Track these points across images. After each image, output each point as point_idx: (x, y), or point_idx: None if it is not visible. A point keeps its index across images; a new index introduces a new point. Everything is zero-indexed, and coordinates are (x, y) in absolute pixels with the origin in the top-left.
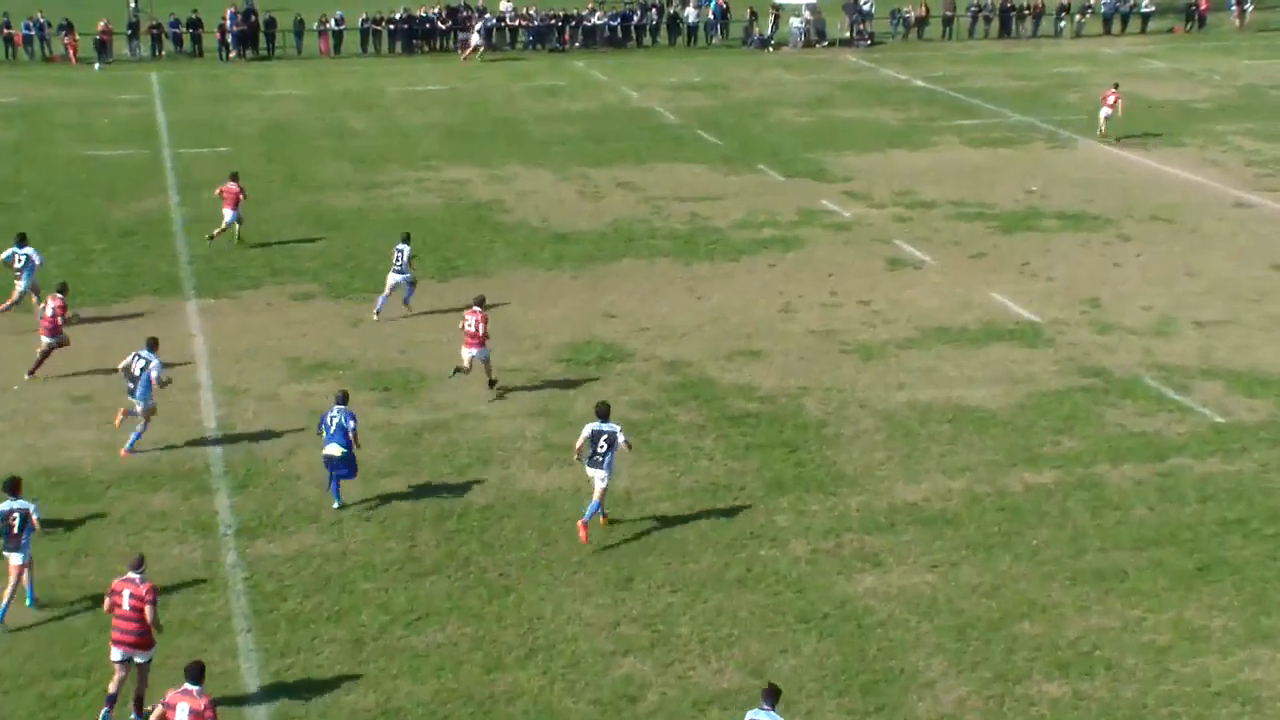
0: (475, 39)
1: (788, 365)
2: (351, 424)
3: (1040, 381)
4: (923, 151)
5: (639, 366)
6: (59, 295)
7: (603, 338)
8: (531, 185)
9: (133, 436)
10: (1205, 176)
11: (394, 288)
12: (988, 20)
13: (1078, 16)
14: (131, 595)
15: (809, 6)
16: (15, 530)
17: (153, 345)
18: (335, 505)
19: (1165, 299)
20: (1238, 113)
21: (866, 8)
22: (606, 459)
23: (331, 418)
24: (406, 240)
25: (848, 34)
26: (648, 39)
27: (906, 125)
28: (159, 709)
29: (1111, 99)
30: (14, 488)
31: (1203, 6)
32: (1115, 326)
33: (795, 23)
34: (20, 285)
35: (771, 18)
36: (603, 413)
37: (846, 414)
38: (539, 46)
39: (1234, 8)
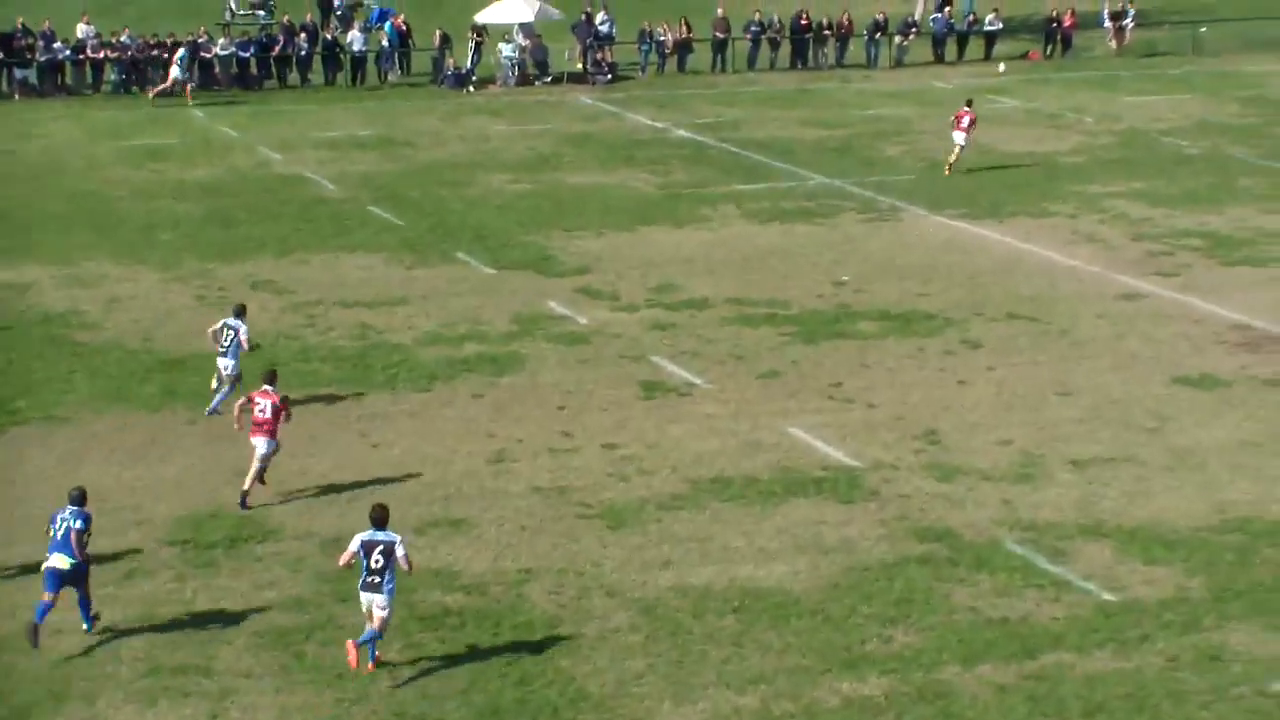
0: (175, 70)
1: (503, 539)
2: (81, 525)
3: (861, 551)
4: (689, 229)
5: (288, 548)
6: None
7: (236, 507)
8: (127, 289)
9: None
10: (1079, 257)
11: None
12: (775, 44)
13: (898, 38)
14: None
15: (524, 28)
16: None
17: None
18: (86, 628)
19: (1030, 430)
20: (1119, 168)
21: (604, 28)
22: (385, 579)
23: (61, 519)
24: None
25: (580, 65)
26: (295, 76)
27: (665, 193)
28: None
29: (967, 120)
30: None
31: (1066, 23)
32: (963, 470)
33: (505, 51)
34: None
35: (472, 45)
36: (378, 518)
37: (589, 606)
38: (130, 90)
39: (1108, 24)
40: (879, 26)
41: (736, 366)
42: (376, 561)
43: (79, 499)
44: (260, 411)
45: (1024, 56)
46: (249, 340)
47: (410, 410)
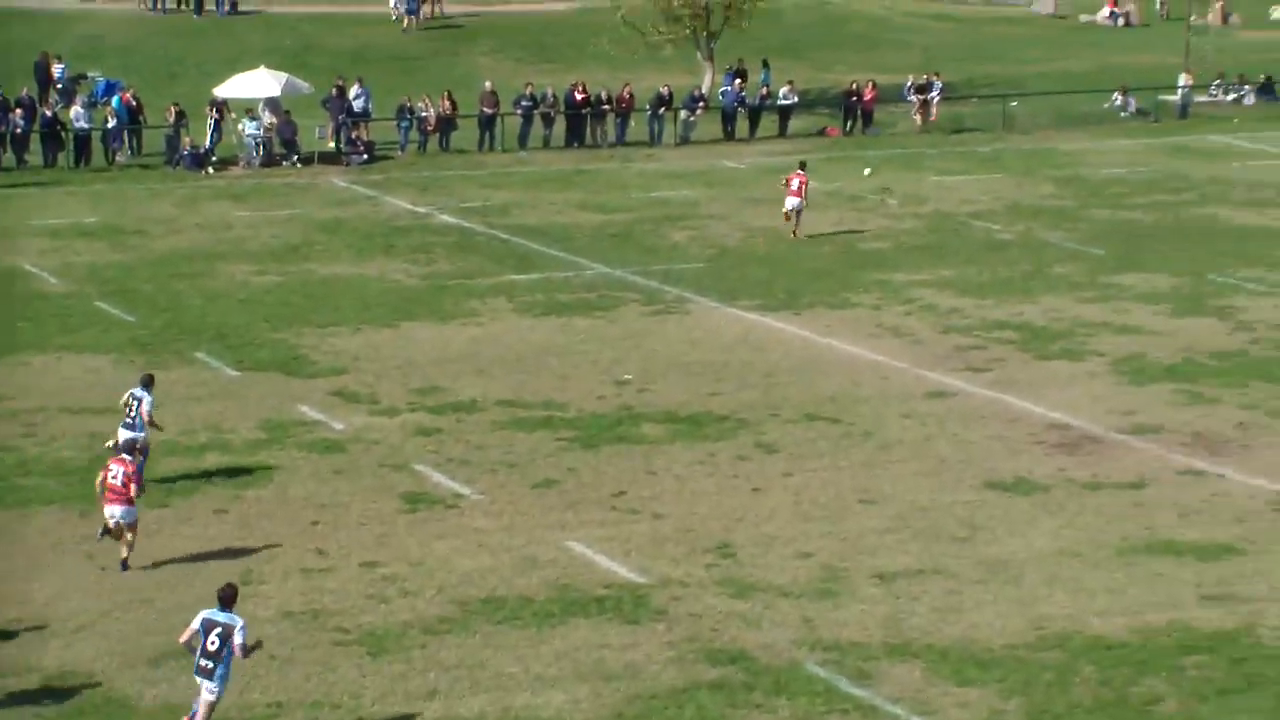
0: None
1: (251, 670)
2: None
3: (648, 676)
4: (456, 325)
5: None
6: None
7: None
8: None
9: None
10: (884, 351)
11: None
12: (548, 120)
13: (684, 114)
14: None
15: (269, 103)
16: None
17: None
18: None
19: (832, 541)
20: (926, 254)
21: (359, 103)
22: (218, 664)
23: None
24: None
25: (332, 144)
26: (9, 157)
27: (429, 285)
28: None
29: (797, 183)
30: None
31: (866, 96)
32: (759, 586)
33: (249, 129)
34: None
35: (211, 121)
36: (225, 597)
37: None
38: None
39: (912, 98)
40: (663, 101)
41: (509, 475)
42: (212, 643)
43: None
44: (113, 478)
45: (821, 133)
46: (150, 414)
47: (144, 528)
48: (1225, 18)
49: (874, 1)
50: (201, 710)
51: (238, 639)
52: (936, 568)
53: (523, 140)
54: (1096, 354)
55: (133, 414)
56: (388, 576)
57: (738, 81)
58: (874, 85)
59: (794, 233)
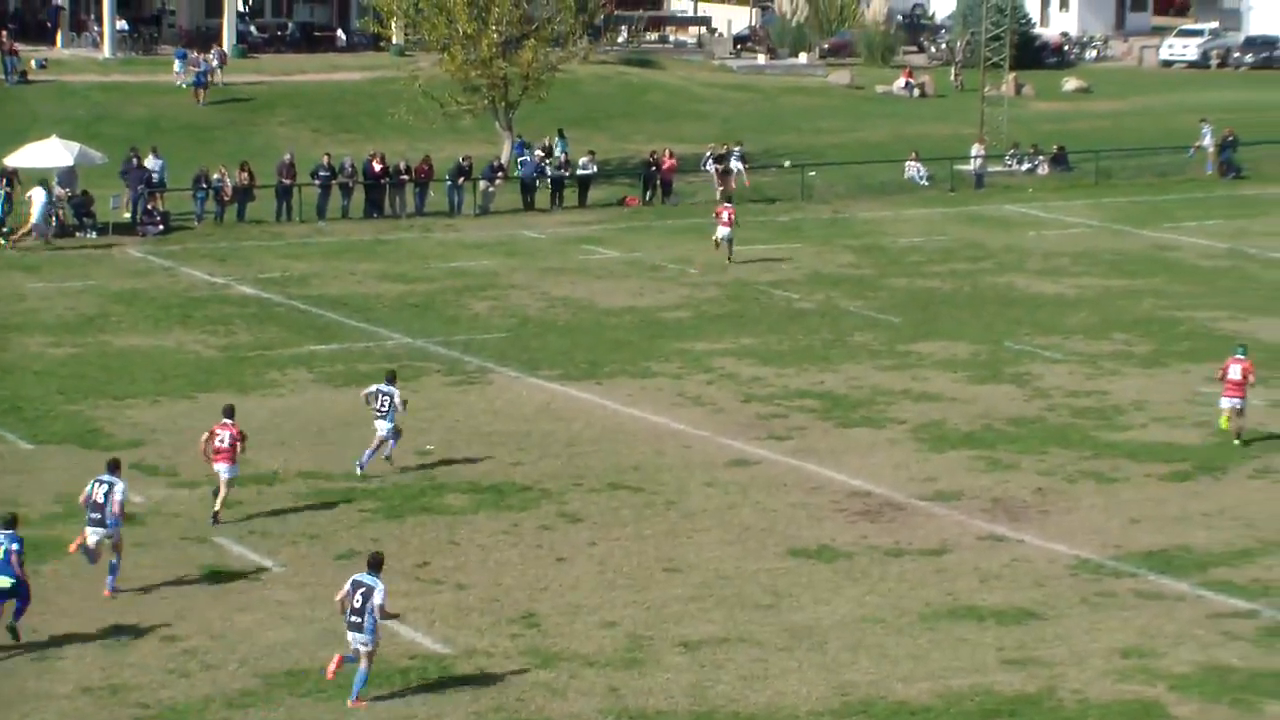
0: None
1: None
2: (15, 546)
3: None
4: (256, 396)
5: None
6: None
7: None
8: None
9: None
10: (686, 420)
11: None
12: (347, 190)
13: (484, 184)
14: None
15: (62, 173)
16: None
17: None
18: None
19: (636, 610)
20: (728, 323)
21: (156, 173)
22: (365, 618)
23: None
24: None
25: (128, 214)
26: None
27: (228, 356)
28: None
29: (726, 215)
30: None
31: (665, 166)
32: (564, 656)
33: (39, 198)
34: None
35: (1, 192)
36: (372, 562)
37: None
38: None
39: (711, 167)
40: (462, 171)
41: (311, 547)
42: (357, 601)
43: (10, 522)
44: (220, 441)
45: (621, 203)
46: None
47: None
48: (1018, 89)
49: (672, 73)
50: (363, 661)
51: (376, 599)
52: (741, 635)
53: (321, 211)
54: (897, 421)
55: (384, 407)
56: (189, 650)
57: (537, 152)
58: (671, 154)
59: (728, 259)
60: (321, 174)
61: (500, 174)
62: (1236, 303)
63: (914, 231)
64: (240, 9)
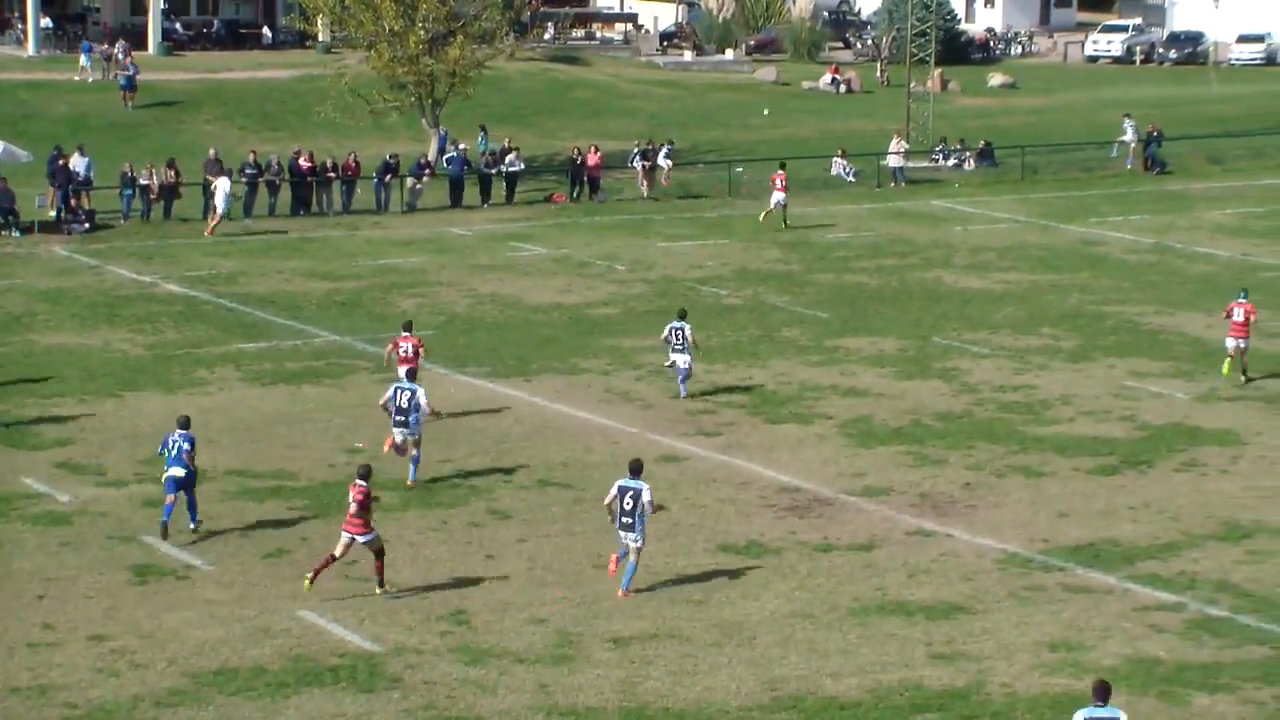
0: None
1: None
2: (187, 445)
3: None
4: (183, 395)
5: None
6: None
7: None
8: None
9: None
10: (615, 417)
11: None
12: (273, 188)
13: (411, 181)
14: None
15: None
16: None
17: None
18: (192, 527)
19: (566, 606)
20: (656, 319)
21: (82, 172)
22: (636, 519)
23: (173, 441)
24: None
25: (53, 213)
26: None
27: (155, 355)
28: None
29: (780, 181)
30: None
31: (590, 163)
32: (494, 653)
33: None
34: None
35: None
36: (634, 468)
37: None
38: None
39: (638, 165)
40: (389, 168)
41: (240, 545)
42: (628, 504)
43: (185, 423)
44: (404, 352)
45: (548, 200)
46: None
47: None
48: (944, 85)
49: (599, 69)
50: (631, 555)
51: (646, 498)
52: (671, 631)
53: (248, 208)
54: (825, 417)
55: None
56: (117, 650)
57: (463, 147)
58: (596, 150)
59: (784, 224)
60: (248, 171)
61: (427, 171)
62: (1162, 297)
63: (841, 227)
64: (164, 6)
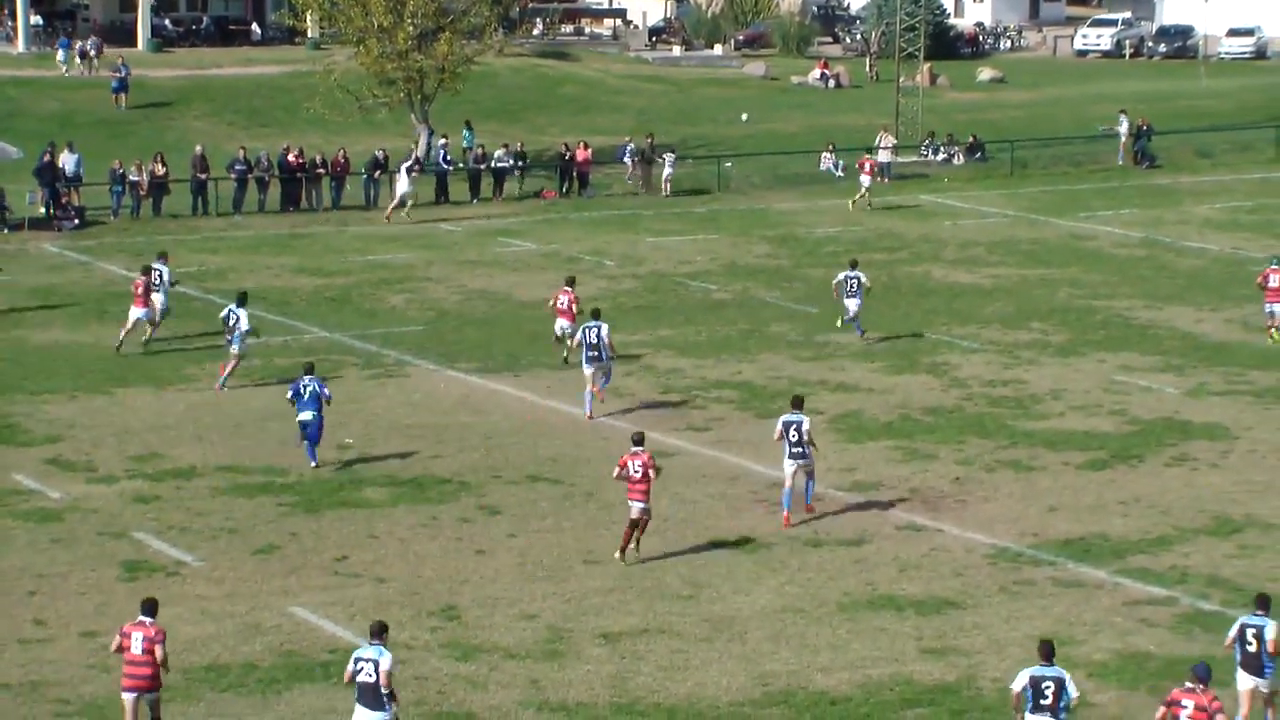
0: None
1: None
2: (325, 391)
3: None
4: (173, 391)
5: None
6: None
7: None
8: None
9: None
10: (604, 412)
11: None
12: (263, 184)
13: (399, 176)
14: (144, 638)
15: None
16: None
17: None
18: (313, 465)
19: (556, 601)
20: (644, 315)
21: (72, 168)
22: (804, 450)
23: (305, 386)
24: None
25: (43, 210)
26: None
27: (145, 352)
28: (116, 639)
29: (869, 165)
30: None
31: (579, 159)
32: (484, 648)
33: None
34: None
35: None
36: (797, 402)
37: None
38: None
39: (628, 160)
40: (378, 164)
41: (230, 541)
42: (793, 436)
43: (311, 369)
44: (561, 305)
45: (538, 195)
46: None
47: None
48: (933, 79)
49: (588, 65)
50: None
51: (806, 426)
52: (661, 627)
53: (237, 204)
54: (815, 412)
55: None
56: (108, 646)
57: (443, 143)
58: (586, 146)
59: (869, 206)
60: (237, 168)
61: (417, 166)
62: (1151, 291)
63: (830, 222)
64: (154, 3)
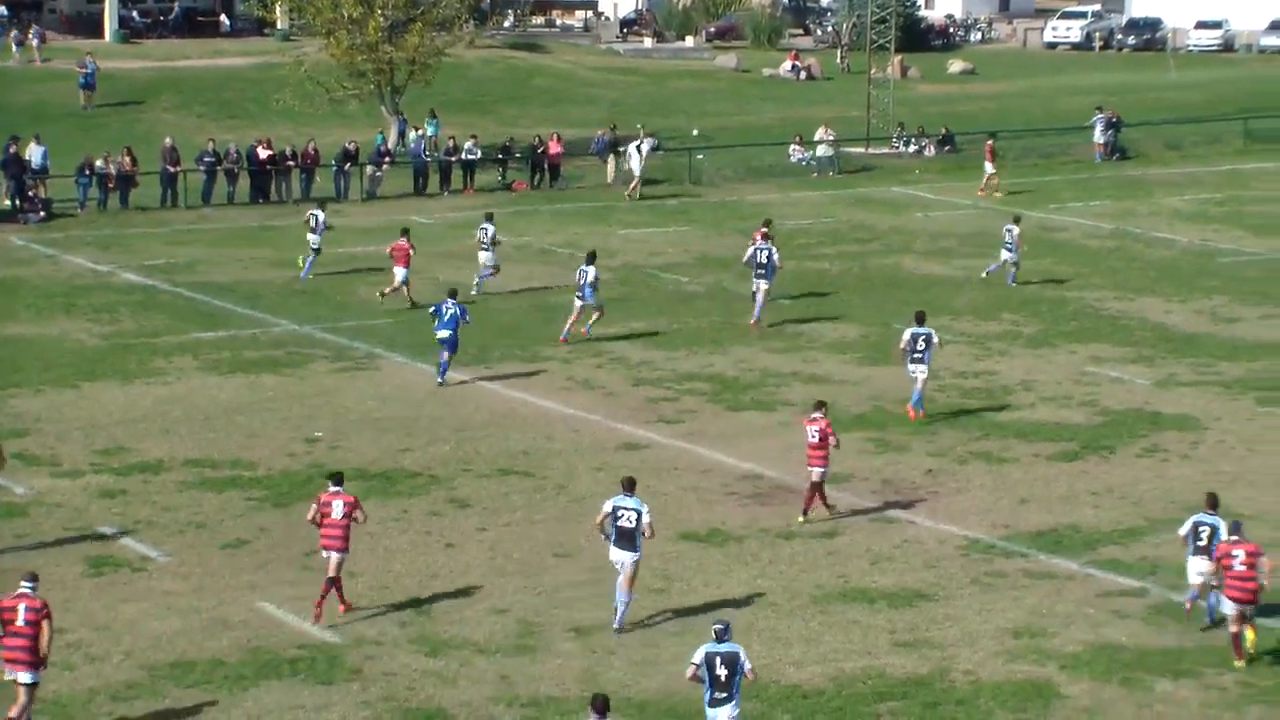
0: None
1: None
2: (465, 316)
3: None
4: (140, 385)
5: None
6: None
7: None
8: None
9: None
10: (576, 405)
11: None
12: (232, 176)
13: (370, 169)
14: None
15: None
16: None
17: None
18: (439, 382)
19: (527, 596)
20: (616, 307)
21: (38, 160)
22: (925, 355)
23: (447, 308)
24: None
25: (8, 202)
26: None
27: (112, 344)
28: (314, 508)
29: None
30: None
31: (551, 151)
32: (454, 644)
33: None
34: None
35: None
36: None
37: None
38: None
39: (599, 155)
40: (348, 156)
41: (198, 536)
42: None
43: (454, 294)
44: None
45: (509, 187)
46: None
47: None
48: (904, 71)
49: (559, 57)
50: (919, 385)
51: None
52: (632, 620)
53: (206, 197)
54: (787, 404)
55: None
56: (73, 643)
57: (417, 131)
58: (558, 138)
59: (995, 193)
60: (206, 160)
61: (387, 158)
62: (1122, 283)
63: (802, 214)
64: None
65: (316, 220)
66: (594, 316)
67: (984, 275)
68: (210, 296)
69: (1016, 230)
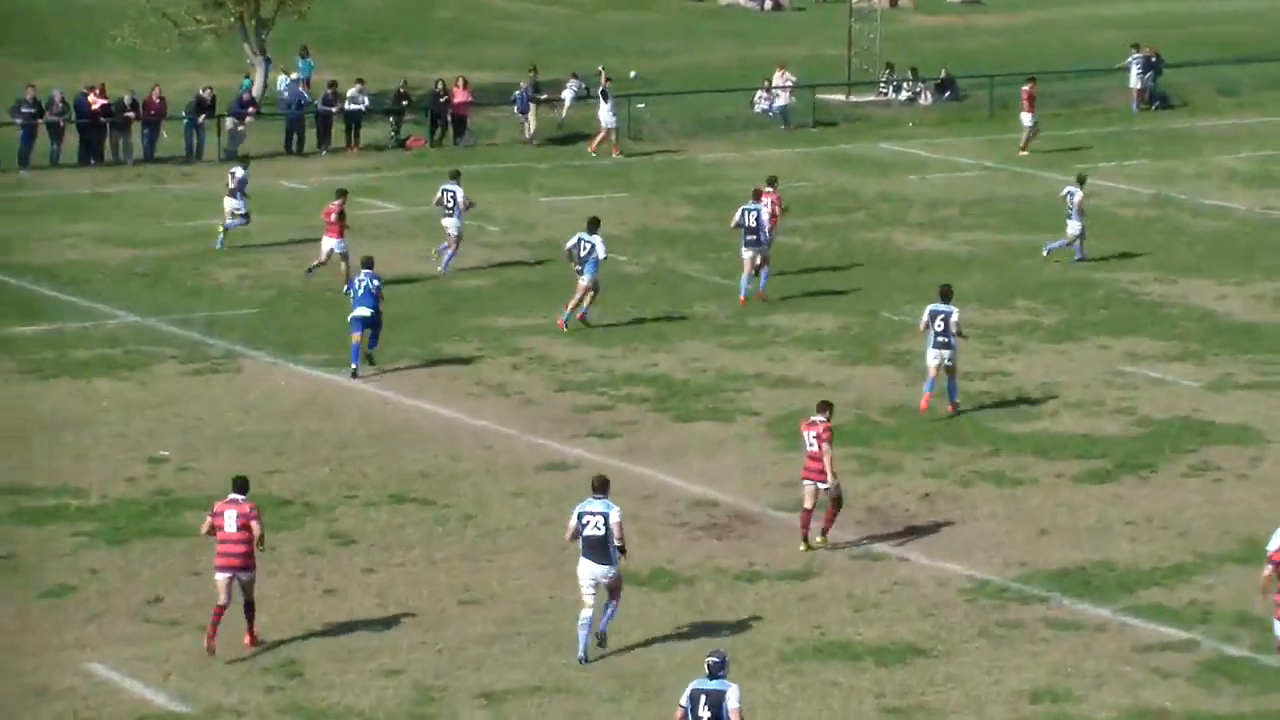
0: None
1: None
2: (376, 283)
3: None
4: None
5: None
6: None
7: None
8: None
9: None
10: (487, 415)
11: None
12: (57, 132)
13: (231, 122)
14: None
15: None
16: None
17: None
18: (371, 349)
19: (426, 653)
20: (536, 293)
21: None
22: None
23: (360, 281)
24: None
25: None
26: None
27: None
28: (208, 520)
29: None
30: None
31: (457, 100)
32: (334, 712)
33: None
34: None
35: None
36: (945, 293)
37: None
38: None
39: (524, 111)
40: (203, 106)
41: (11, 581)
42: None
43: (370, 264)
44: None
45: (402, 144)
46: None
47: None
48: (894, 1)
49: None
50: (939, 373)
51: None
52: (558, 684)
53: (24, 158)
54: (749, 413)
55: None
56: None
57: (295, 78)
58: (464, 83)
59: (1023, 150)
60: (24, 111)
61: (251, 109)
62: (1164, 261)
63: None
64: None
65: (235, 178)
66: (589, 297)
67: (1045, 254)
68: (28, 282)
69: (1079, 195)
